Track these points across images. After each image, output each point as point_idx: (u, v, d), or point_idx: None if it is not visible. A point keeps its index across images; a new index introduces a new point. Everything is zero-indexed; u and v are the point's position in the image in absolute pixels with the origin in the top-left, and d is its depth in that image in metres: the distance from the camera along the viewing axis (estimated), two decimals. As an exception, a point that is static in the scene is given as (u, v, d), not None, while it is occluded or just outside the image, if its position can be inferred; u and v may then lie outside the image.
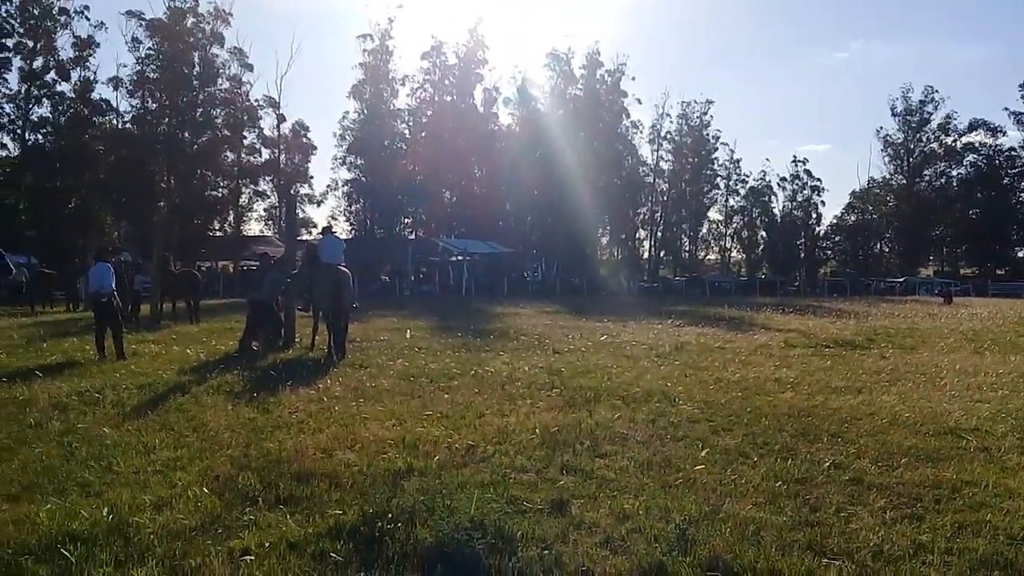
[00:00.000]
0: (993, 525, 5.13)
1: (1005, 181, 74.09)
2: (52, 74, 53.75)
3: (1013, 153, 73.66)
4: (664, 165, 76.03)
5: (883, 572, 4.35)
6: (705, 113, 74.93)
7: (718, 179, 77.67)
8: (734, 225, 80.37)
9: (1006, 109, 72.70)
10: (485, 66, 65.06)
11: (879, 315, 28.64)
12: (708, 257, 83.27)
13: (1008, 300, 48.22)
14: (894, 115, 76.20)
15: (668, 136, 75.30)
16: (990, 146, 74.26)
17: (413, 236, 63.45)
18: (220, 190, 59.64)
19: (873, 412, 8.91)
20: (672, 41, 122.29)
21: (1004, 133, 73.78)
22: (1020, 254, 76.19)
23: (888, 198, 78.85)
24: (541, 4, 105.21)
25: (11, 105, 53.00)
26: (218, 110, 57.68)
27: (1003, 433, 7.89)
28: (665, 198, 76.16)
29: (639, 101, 71.30)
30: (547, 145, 59.17)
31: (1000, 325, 24.02)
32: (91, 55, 54.43)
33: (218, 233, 59.52)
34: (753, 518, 5.19)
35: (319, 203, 66.11)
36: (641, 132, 72.85)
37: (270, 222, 64.67)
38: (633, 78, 70.91)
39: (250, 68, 58.89)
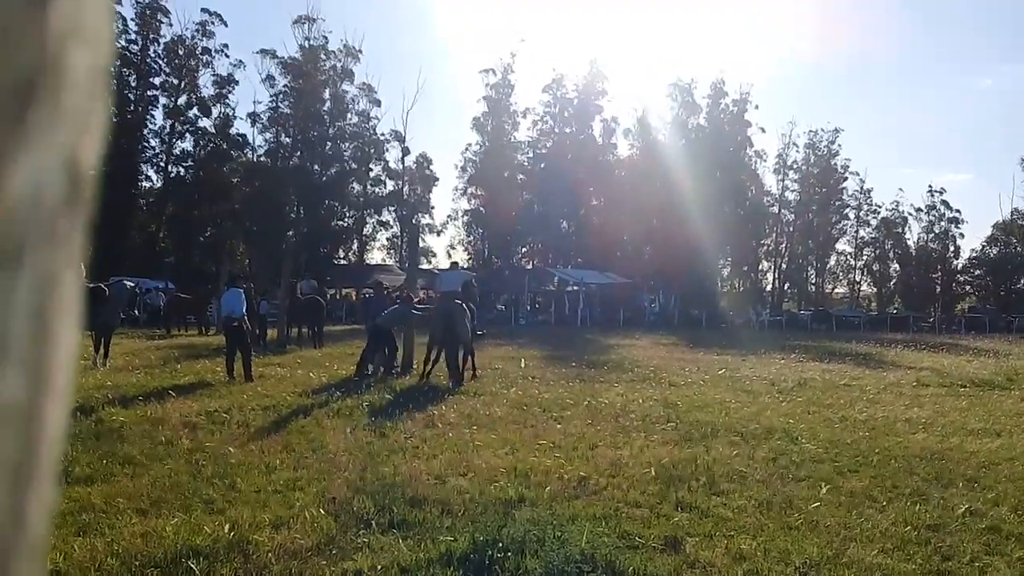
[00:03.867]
0: None
1: None
2: (194, 110, 57.38)
3: None
4: (790, 195, 73.74)
5: (1025, 631, 4.02)
6: (833, 142, 72.28)
7: (847, 209, 74.71)
8: (864, 257, 76.98)
9: None
10: (604, 97, 65.36)
11: (1021, 353, 26.83)
12: (836, 291, 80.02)
13: None
14: (1039, 140, 71.76)
15: (794, 165, 73.11)
16: None
17: (530, 266, 63.84)
18: (346, 220, 61.90)
19: (1013, 457, 8.33)
20: (801, 68, 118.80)
21: None
22: None
23: (1033, 229, 74.04)
24: (662, 33, 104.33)
25: (156, 139, 56.88)
26: (347, 144, 60.03)
27: None
28: (791, 229, 73.79)
29: (763, 130, 69.82)
30: (667, 175, 58.53)
31: None
32: (230, 92, 57.81)
33: (342, 261, 61.62)
34: (880, 564, 4.92)
35: (439, 233, 67.65)
36: (766, 161, 71.15)
37: (391, 251, 66.52)
38: (756, 107, 69.56)
39: (378, 103, 61.17)
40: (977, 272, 76.25)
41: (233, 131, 58.55)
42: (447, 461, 7.54)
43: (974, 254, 76.00)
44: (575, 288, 48.50)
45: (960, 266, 75.91)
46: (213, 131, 57.64)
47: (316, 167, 58.87)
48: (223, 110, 58.00)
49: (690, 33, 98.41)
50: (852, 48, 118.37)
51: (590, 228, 63.79)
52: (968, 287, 77.35)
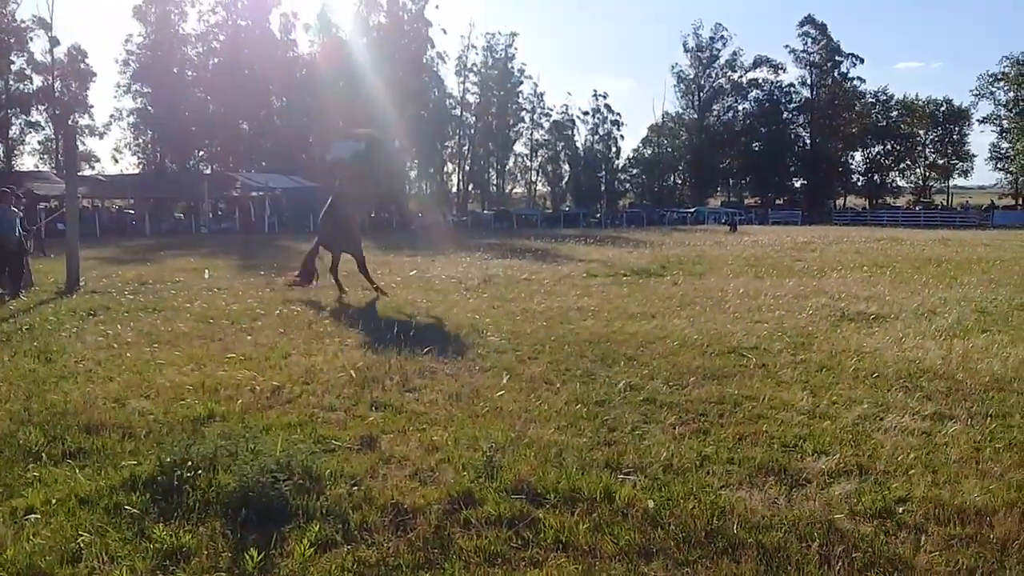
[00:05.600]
0: (769, 435, 5.62)
1: (784, 115, 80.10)
2: None
3: (792, 89, 79.65)
4: (471, 98, 75.81)
5: (672, 483, 4.66)
6: (510, 45, 74.91)
7: (523, 112, 78.48)
8: (539, 158, 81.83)
9: (787, 46, 78.01)
10: (282, -11, 62.02)
11: (672, 244, 30.36)
12: (515, 191, 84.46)
13: (785, 227, 52.43)
14: (686, 51, 79.96)
15: (474, 68, 74.94)
16: (772, 82, 79.88)
17: (209, 170, 60.12)
18: (-14, 120, 53.97)
19: (665, 336, 9.48)
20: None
21: (784, 70, 79.45)
22: (796, 184, 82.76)
23: (681, 132, 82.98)
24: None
25: None
26: (-23, 31, 51.72)
27: (779, 350, 8.65)
28: (472, 131, 76.09)
29: (444, 31, 70.55)
30: (351, 75, 57.21)
31: (778, 251, 26.16)
32: None
33: (-15, 168, 53.93)
34: (556, 441, 5.42)
35: (101, 135, 61.37)
36: (447, 63, 72.14)
37: (45, 156, 59.34)
38: (437, 7, 69.90)
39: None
40: (635, 171, 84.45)
41: None
42: (126, 383, 7.05)
43: (633, 154, 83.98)
44: (260, 193, 46.61)
45: (621, 165, 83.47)
46: None
47: (-60, 58, 50.32)
48: None
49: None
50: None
51: (273, 130, 61.17)
52: (628, 184, 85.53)
